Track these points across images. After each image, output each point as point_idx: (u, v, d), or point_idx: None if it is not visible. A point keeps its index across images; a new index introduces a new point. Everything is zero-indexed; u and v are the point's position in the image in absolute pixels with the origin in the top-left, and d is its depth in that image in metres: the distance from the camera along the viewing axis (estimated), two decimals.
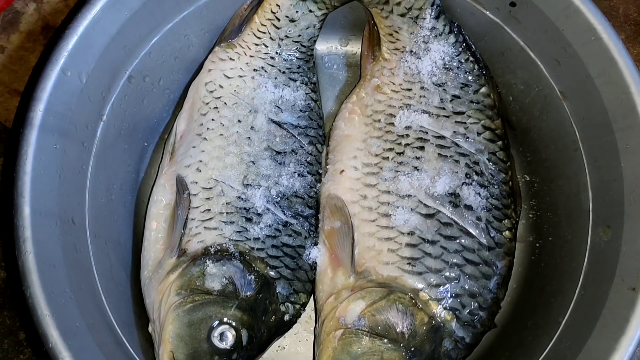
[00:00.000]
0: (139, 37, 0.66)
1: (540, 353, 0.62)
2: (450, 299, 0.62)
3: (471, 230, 0.64)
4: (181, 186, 0.66)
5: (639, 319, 0.55)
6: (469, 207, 0.65)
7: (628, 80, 0.60)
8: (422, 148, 0.67)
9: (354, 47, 0.81)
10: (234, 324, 0.60)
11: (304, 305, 0.67)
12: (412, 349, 0.61)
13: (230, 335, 0.60)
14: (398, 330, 0.61)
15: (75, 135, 0.61)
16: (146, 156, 0.75)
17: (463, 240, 0.64)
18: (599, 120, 0.62)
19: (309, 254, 0.67)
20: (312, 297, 0.68)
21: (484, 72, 0.72)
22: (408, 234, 0.64)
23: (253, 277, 0.63)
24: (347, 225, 0.65)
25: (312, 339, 0.67)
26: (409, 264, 0.63)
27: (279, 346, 0.70)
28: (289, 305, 0.65)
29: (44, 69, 0.59)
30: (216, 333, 0.60)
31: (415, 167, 0.66)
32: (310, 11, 0.72)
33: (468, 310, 0.63)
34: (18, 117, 0.59)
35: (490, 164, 0.68)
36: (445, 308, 0.62)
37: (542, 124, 0.70)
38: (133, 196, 0.72)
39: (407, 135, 0.68)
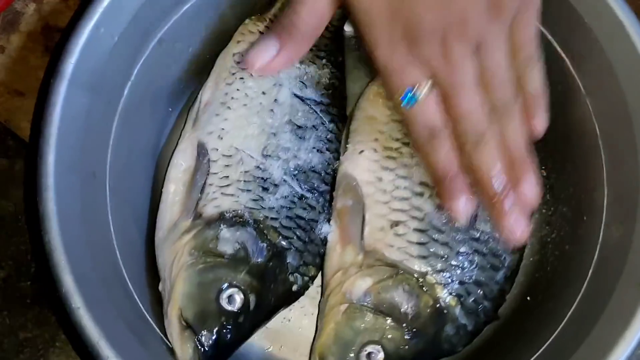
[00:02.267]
0: (173, 1, 0.67)
1: (543, 343, 0.62)
2: (457, 285, 0.63)
3: (482, 222, 0.65)
4: (202, 152, 0.68)
5: None
6: None
7: None
8: None
9: None
10: (243, 287, 0.61)
11: (312, 278, 0.68)
12: (414, 330, 0.61)
13: (239, 299, 0.61)
14: (402, 310, 0.62)
15: (102, 91, 0.62)
16: (169, 121, 0.76)
17: (472, 231, 0.64)
18: (620, 118, 0.63)
19: (321, 228, 0.68)
20: (320, 273, 0.69)
21: None
22: (419, 219, 0.64)
23: (265, 245, 0.64)
24: (359, 204, 0.66)
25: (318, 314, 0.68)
26: (417, 248, 0.64)
27: (284, 318, 0.71)
28: (298, 276, 0.66)
29: (78, 23, 0.60)
30: (225, 295, 0.61)
31: None
32: None
33: (473, 298, 0.63)
34: (49, 68, 0.60)
35: None
36: (450, 293, 0.62)
37: (563, 118, 0.70)
38: (154, 159, 0.73)
39: None
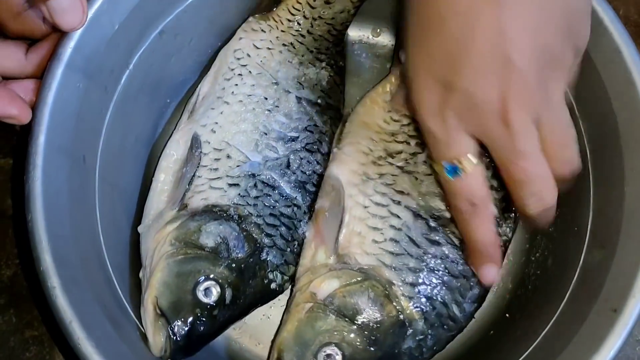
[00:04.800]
0: None
1: None
2: (423, 299, 0.62)
3: (457, 242, 0.64)
4: (195, 144, 0.68)
5: (615, 338, 0.55)
6: None
7: None
8: None
9: (385, 39, 0.82)
10: (220, 281, 0.62)
11: (292, 277, 0.68)
12: (374, 338, 0.61)
13: (215, 292, 0.62)
14: (365, 316, 0.62)
15: (99, 78, 0.63)
16: (167, 112, 0.77)
17: (446, 250, 0.64)
18: (610, 141, 0.63)
19: (304, 228, 0.68)
20: None
21: None
22: (396, 228, 0.64)
23: (247, 241, 0.64)
24: (338, 207, 0.66)
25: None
26: (389, 257, 0.63)
27: (263, 315, 0.72)
28: (278, 274, 0.66)
29: None
30: (202, 287, 0.61)
31: (421, 171, 0.67)
32: None
33: (437, 315, 0.63)
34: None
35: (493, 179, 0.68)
36: (415, 307, 0.62)
37: None
38: (148, 149, 0.74)
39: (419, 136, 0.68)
